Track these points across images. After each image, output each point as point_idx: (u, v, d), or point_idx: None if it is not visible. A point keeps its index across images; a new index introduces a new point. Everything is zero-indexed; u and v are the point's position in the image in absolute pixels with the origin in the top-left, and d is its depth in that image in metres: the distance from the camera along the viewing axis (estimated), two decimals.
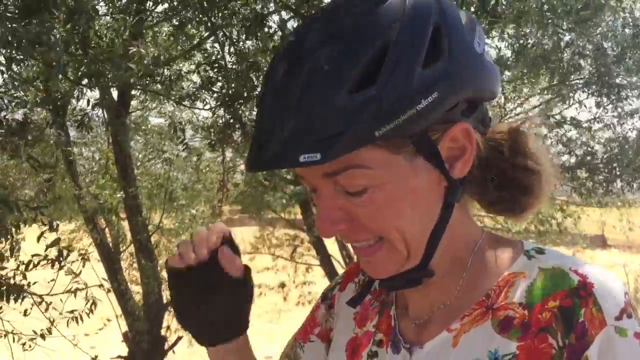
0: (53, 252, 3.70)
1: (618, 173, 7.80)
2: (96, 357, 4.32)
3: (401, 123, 0.70)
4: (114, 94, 5.03)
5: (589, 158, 7.97)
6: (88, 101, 3.93)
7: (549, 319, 0.75)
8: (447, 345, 0.81)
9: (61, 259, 3.65)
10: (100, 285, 4.89)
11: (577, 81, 7.49)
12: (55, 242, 3.64)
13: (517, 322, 0.77)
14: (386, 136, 0.70)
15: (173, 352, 6.61)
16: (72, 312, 4.13)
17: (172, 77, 3.60)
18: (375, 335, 0.92)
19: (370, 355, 0.91)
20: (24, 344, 4.20)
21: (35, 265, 3.60)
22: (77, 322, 4.09)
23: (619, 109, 7.64)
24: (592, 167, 7.95)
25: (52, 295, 4.16)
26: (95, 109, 4.36)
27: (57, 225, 3.84)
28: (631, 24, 6.82)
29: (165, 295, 6.70)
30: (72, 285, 4.06)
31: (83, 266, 4.11)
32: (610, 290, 0.75)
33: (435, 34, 0.73)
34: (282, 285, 8.81)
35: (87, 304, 4.08)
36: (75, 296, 4.10)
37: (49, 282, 4.10)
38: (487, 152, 0.83)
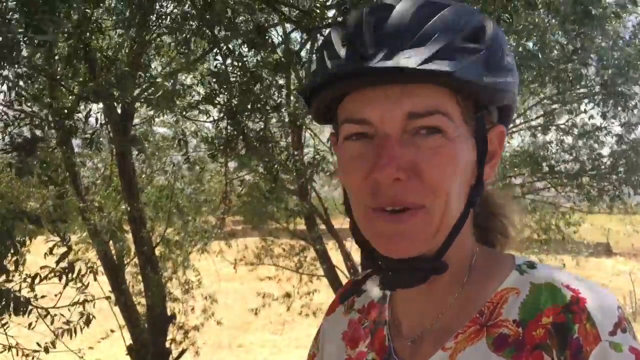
0: (60, 265, 3.70)
1: (623, 178, 7.82)
2: None
3: (497, 83, 0.77)
4: (118, 108, 5.07)
5: (595, 164, 7.98)
6: (97, 119, 3.95)
7: (543, 335, 0.74)
8: None
9: (70, 272, 3.65)
10: (108, 297, 4.88)
11: (582, 90, 7.52)
12: (66, 255, 3.65)
13: (512, 340, 0.77)
14: (486, 87, 0.75)
15: None
16: (67, 322, 4.11)
17: (176, 90, 3.62)
18: (367, 354, 0.91)
19: None
20: (26, 356, 4.18)
21: (42, 279, 3.60)
22: (71, 335, 4.07)
23: (624, 119, 7.67)
24: (598, 174, 7.96)
25: (57, 308, 4.16)
26: (99, 119, 4.38)
27: (70, 238, 3.85)
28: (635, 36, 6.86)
29: (170, 307, 6.70)
30: (78, 297, 4.06)
31: (95, 279, 4.11)
32: (604, 304, 0.75)
33: (501, 36, 0.82)
34: (287, 295, 8.78)
35: (81, 318, 4.06)
36: (84, 308, 4.09)
37: (55, 296, 4.10)
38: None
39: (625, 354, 0.72)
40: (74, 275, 3.74)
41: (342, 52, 0.77)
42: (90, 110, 3.86)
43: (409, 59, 0.71)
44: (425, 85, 0.74)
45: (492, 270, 0.84)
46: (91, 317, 4.05)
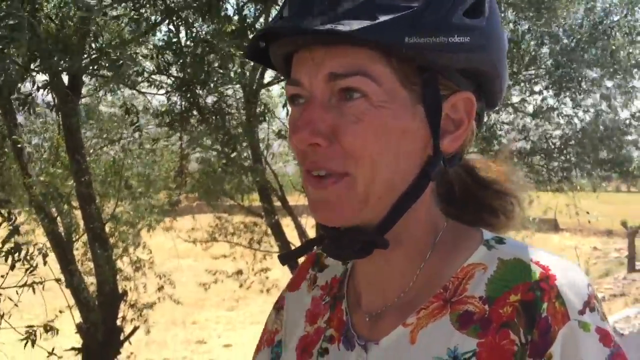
0: (7, 246, 3.56)
1: (573, 160, 8.04)
2: (53, 349, 4.20)
3: (430, 44, 0.70)
4: (65, 79, 4.87)
5: (545, 145, 8.17)
6: (33, 82, 3.77)
7: (511, 313, 0.72)
8: (405, 341, 0.78)
9: (17, 253, 3.51)
10: (58, 280, 4.73)
11: (535, 72, 7.65)
12: (12, 235, 3.50)
13: (477, 317, 0.74)
14: (412, 48, 0.70)
15: (129, 342, 6.50)
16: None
17: (125, 61, 3.48)
18: (325, 330, 0.88)
19: (320, 353, 0.87)
20: None
21: None
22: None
23: (577, 101, 7.85)
24: (548, 153, 8.15)
25: (4, 288, 4.02)
26: (44, 93, 4.20)
27: (16, 217, 3.69)
28: (589, 17, 7.00)
29: (121, 285, 6.58)
30: (27, 278, 3.92)
31: (44, 264, 3.97)
32: (574, 282, 0.73)
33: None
34: (239, 272, 8.74)
35: (28, 338, 3.97)
36: (34, 291, 3.95)
37: (1, 277, 3.96)
38: (460, 170, 0.84)
39: (591, 334, 0.71)
40: (20, 257, 3.60)
41: (281, 9, 0.75)
42: (30, 75, 3.68)
43: (315, 19, 0.69)
44: (351, 47, 0.70)
45: (458, 244, 0.81)
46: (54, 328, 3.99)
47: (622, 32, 6.87)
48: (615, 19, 7.14)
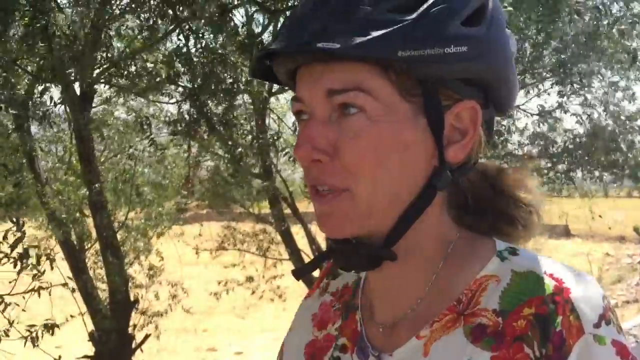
0: (16, 251, 3.60)
1: (577, 161, 7.98)
2: (60, 357, 4.23)
3: (425, 56, 0.70)
4: (77, 89, 4.93)
5: (550, 147, 8.12)
6: (51, 98, 3.83)
7: (525, 327, 0.71)
8: (418, 353, 0.77)
9: (25, 258, 3.55)
10: (65, 284, 4.76)
11: (540, 70, 7.61)
12: (19, 240, 3.54)
13: (491, 331, 0.73)
14: (406, 61, 0.70)
15: (141, 350, 6.52)
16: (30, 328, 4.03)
17: (137, 71, 3.53)
18: (337, 339, 0.87)
19: None
20: None
21: None
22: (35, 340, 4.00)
23: (582, 97, 7.80)
24: (554, 156, 8.10)
25: (12, 295, 4.05)
26: (57, 105, 4.25)
27: (24, 223, 3.74)
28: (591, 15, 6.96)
29: (133, 293, 6.61)
30: (35, 284, 3.95)
31: (52, 269, 4.00)
32: (588, 295, 0.72)
33: (481, 8, 0.75)
34: (250, 279, 8.74)
35: (27, 338, 3.98)
36: (39, 295, 3.99)
37: (10, 282, 3.99)
38: (475, 178, 0.83)
39: (607, 347, 0.69)
40: (28, 262, 3.63)
41: (282, 29, 0.78)
42: (47, 89, 3.73)
43: (310, 36, 0.71)
44: (349, 62, 0.71)
45: (471, 255, 0.79)
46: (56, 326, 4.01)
47: (626, 22, 6.84)
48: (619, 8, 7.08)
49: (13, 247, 3.51)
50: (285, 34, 0.75)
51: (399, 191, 0.75)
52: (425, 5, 0.71)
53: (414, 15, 0.71)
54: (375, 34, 0.69)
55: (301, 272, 0.87)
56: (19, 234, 3.57)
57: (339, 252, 0.80)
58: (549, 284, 0.73)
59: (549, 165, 8.27)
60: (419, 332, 0.78)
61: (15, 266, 3.62)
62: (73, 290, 5.32)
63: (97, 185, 5.39)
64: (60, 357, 4.19)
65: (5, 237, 3.56)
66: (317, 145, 0.73)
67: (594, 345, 0.69)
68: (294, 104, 0.78)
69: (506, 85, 0.79)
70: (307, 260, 7.85)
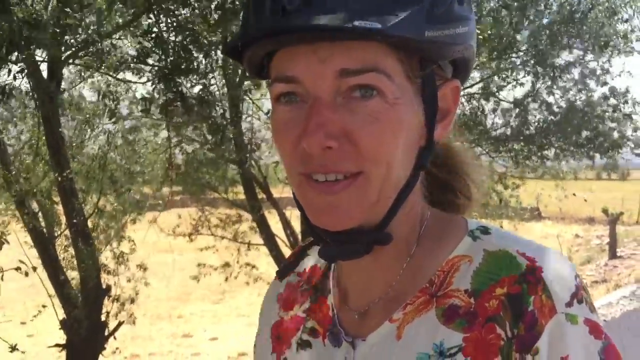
0: None
1: (549, 141, 8.15)
2: (15, 345, 4.10)
3: (444, 36, 0.70)
4: (44, 72, 4.77)
5: (524, 128, 8.26)
6: (9, 71, 3.65)
7: (497, 307, 0.70)
8: (391, 337, 0.76)
9: None
10: (17, 268, 4.54)
11: (515, 59, 7.70)
12: None
13: (463, 311, 0.72)
14: (432, 42, 0.68)
15: (114, 337, 6.43)
16: None
17: (106, 49, 3.40)
18: (306, 321, 0.86)
19: (300, 344, 0.85)
20: None
21: None
22: None
23: (555, 85, 7.93)
24: (527, 137, 8.24)
25: None
26: (19, 80, 4.06)
27: None
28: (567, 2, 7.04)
29: (104, 280, 6.50)
30: None
31: None
32: (560, 274, 0.71)
33: None
34: (227, 264, 8.70)
35: None
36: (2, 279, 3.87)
37: None
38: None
39: (580, 326, 0.69)
40: None
41: (268, 3, 0.67)
42: (4, 61, 3.56)
43: (334, 15, 0.64)
44: (358, 42, 0.66)
45: (443, 236, 0.78)
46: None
47: (602, 8, 6.94)
48: None
49: None
50: (292, 8, 0.66)
51: (404, 173, 0.73)
52: None
53: None
54: (402, 14, 0.65)
55: (284, 271, 0.87)
56: None
57: (334, 244, 0.75)
58: (521, 263, 0.71)
59: (522, 145, 8.41)
60: (391, 315, 0.77)
61: None
62: (19, 270, 5.04)
63: (66, 171, 5.25)
64: (15, 345, 4.07)
65: None
66: (329, 132, 0.68)
67: (566, 324, 0.68)
68: (279, 86, 0.71)
69: (473, 62, 0.80)
70: (281, 245, 7.84)
